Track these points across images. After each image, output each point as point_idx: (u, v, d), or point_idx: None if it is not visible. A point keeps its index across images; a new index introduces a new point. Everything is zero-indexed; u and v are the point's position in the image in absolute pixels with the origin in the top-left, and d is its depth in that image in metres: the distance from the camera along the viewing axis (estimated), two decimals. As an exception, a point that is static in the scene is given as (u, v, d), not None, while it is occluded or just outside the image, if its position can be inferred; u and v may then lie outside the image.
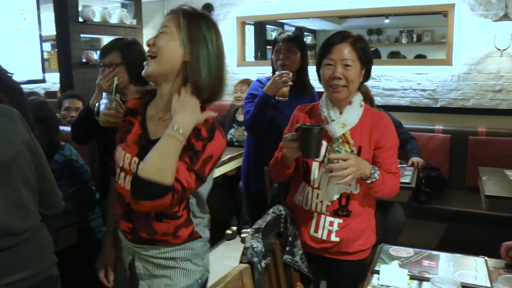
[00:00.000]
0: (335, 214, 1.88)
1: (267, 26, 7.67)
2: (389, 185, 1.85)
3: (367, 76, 1.89)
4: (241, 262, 1.42)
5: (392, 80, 4.51)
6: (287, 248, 1.84)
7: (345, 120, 1.84)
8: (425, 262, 1.76)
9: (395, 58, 6.65)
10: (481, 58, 4.17)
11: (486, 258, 1.80)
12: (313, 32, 9.69)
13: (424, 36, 8.18)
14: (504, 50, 4.04)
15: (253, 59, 6.38)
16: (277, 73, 2.55)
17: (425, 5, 4.31)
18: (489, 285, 1.57)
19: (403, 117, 3.85)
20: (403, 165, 3.28)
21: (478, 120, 4.22)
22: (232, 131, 4.13)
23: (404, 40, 8.39)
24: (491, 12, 4.08)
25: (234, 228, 4.22)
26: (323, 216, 1.89)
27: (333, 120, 1.84)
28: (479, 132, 4.12)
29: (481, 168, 3.30)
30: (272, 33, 7.81)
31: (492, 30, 4.04)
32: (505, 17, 3.94)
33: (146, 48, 1.46)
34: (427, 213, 3.77)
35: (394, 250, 1.88)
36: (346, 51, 1.80)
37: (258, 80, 2.80)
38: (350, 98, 1.87)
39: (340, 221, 1.88)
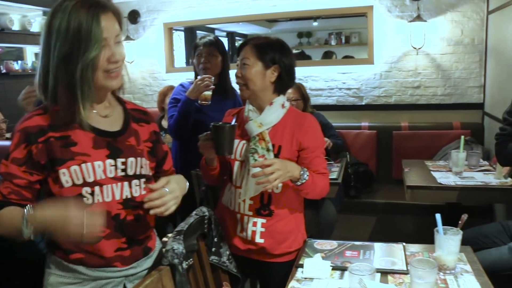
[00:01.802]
0: (257, 213, 1.90)
1: (198, 32, 7.67)
2: (319, 185, 1.88)
3: (282, 77, 1.89)
4: (162, 264, 1.42)
5: (318, 80, 4.64)
6: (213, 249, 1.85)
7: (262, 119, 1.88)
8: (348, 253, 1.83)
9: (328, 59, 6.82)
10: (400, 57, 4.39)
11: (405, 244, 1.90)
12: (244, 36, 9.76)
13: (352, 37, 8.44)
14: (419, 48, 4.27)
15: (184, 65, 6.35)
16: (199, 77, 2.57)
17: (346, 7, 4.47)
18: (405, 268, 1.66)
19: (331, 116, 3.97)
20: (331, 162, 3.38)
21: (401, 115, 4.43)
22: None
23: (333, 42, 8.60)
24: (406, 13, 4.30)
25: (170, 235, 4.17)
26: (246, 216, 1.92)
27: (251, 120, 1.89)
28: (402, 127, 4.33)
29: (404, 161, 3.47)
30: (202, 39, 7.78)
31: (408, 30, 4.27)
32: (418, 18, 4.18)
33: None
34: (357, 207, 3.91)
35: (319, 243, 1.94)
36: (245, 52, 1.87)
37: (181, 85, 2.81)
38: (267, 99, 1.90)
39: (264, 220, 1.90)
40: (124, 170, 1.42)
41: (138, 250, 1.48)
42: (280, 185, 1.85)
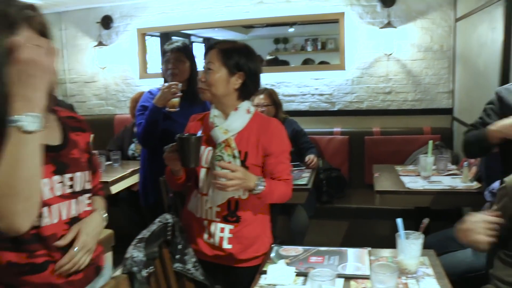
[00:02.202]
0: (225, 220, 1.91)
1: (174, 37, 7.64)
2: (277, 193, 1.91)
3: (246, 83, 1.90)
4: (122, 272, 1.41)
5: (291, 86, 4.67)
6: (177, 256, 1.84)
7: (228, 126, 1.88)
8: (312, 259, 1.84)
9: (307, 65, 6.85)
10: (371, 63, 4.44)
11: (370, 249, 1.92)
12: (221, 42, 9.75)
13: (328, 43, 8.51)
14: (390, 55, 4.33)
15: (160, 71, 6.31)
16: (166, 84, 2.56)
17: (319, 13, 4.51)
18: (368, 273, 1.67)
19: (303, 122, 3.99)
20: (302, 168, 3.40)
21: (372, 121, 4.48)
22: (132, 146, 4.02)
23: (309, 48, 8.64)
24: (377, 20, 4.36)
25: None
26: (213, 223, 1.92)
27: (217, 126, 1.89)
28: (374, 132, 4.38)
29: (375, 166, 3.51)
30: (178, 45, 7.75)
31: (379, 37, 4.33)
32: (389, 24, 4.24)
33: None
34: (329, 213, 3.93)
35: (284, 249, 1.95)
36: (211, 56, 1.87)
37: (149, 92, 2.79)
38: (232, 104, 1.91)
39: (231, 227, 1.91)
40: (71, 186, 1.33)
41: (90, 271, 1.38)
42: (247, 191, 1.88)
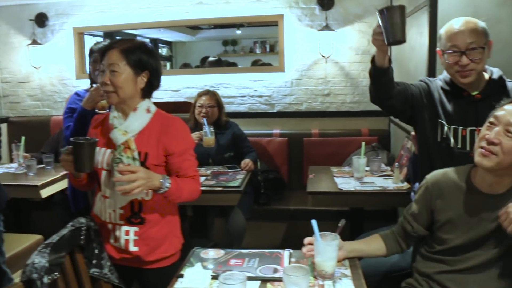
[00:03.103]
0: (129, 222, 1.87)
1: (118, 38, 7.46)
2: (186, 190, 1.89)
3: (151, 83, 1.89)
4: (21, 280, 1.33)
5: (230, 87, 4.63)
6: (94, 261, 1.78)
7: (127, 127, 1.84)
8: (232, 261, 1.80)
9: (257, 66, 6.84)
10: (310, 65, 4.47)
11: (291, 250, 1.90)
12: (168, 43, 9.65)
13: (277, 46, 8.56)
14: (328, 57, 4.37)
15: (99, 72, 6.15)
16: (94, 85, 2.49)
17: (258, 15, 4.50)
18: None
19: (243, 123, 3.96)
20: (237, 170, 3.37)
21: (311, 123, 4.51)
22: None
23: (258, 50, 8.70)
24: (316, 22, 4.39)
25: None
26: (118, 225, 1.87)
27: (116, 128, 1.84)
28: (312, 134, 4.40)
29: (311, 167, 3.53)
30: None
31: (317, 39, 4.36)
32: (326, 27, 4.28)
33: None
34: (267, 215, 3.91)
35: (205, 252, 1.90)
36: (113, 57, 1.79)
37: (76, 93, 2.71)
38: (132, 104, 1.86)
39: (136, 229, 1.87)
40: None
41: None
42: (150, 191, 1.84)
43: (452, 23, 1.99)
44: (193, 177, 1.93)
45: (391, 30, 1.69)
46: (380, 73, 1.94)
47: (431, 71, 2.72)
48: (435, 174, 1.82)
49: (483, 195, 1.67)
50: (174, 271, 1.91)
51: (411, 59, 3.36)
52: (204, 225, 3.68)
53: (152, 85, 1.89)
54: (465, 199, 1.71)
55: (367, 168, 3.20)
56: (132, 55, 1.80)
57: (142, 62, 1.82)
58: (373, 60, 1.94)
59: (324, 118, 4.51)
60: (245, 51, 8.79)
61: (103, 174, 1.87)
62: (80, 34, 4.93)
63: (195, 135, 3.43)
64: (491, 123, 1.62)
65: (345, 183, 2.98)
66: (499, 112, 1.61)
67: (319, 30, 4.31)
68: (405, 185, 2.89)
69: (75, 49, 4.91)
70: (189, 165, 1.93)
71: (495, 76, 2.02)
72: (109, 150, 1.86)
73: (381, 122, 4.43)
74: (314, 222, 1.68)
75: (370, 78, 2.00)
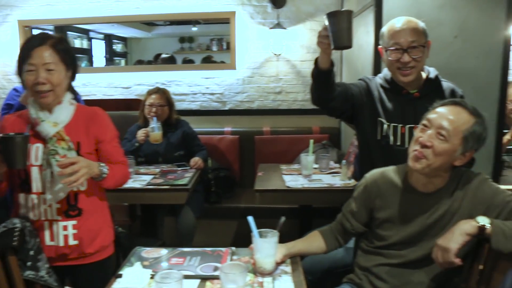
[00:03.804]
0: (66, 215, 1.83)
1: (69, 32, 7.25)
2: (119, 175, 1.93)
3: (73, 76, 1.89)
4: None
5: (181, 85, 4.58)
6: (28, 264, 1.71)
7: (56, 118, 1.81)
8: (173, 260, 1.77)
9: (208, 63, 6.80)
10: (262, 63, 4.47)
11: (234, 248, 1.89)
12: (123, 39, 9.46)
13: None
14: (279, 55, 4.39)
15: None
16: None
17: (210, 12, 4.45)
18: (224, 274, 1.64)
19: (194, 121, 3.91)
20: (186, 168, 3.33)
21: (263, 120, 4.51)
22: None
23: (214, 48, 8.65)
24: (268, 20, 4.39)
25: None
26: (55, 222, 1.82)
27: (43, 121, 1.79)
28: (264, 132, 4.41)
29: (261, 165, 3.52)
30: (74, 40, 7.39)
31: (269, 37, 4.36)
32: (278, 25, 4.29)
33: None
34: (218, 213, 3.89)
35: (146, 252, 1.86)
36: (47, 55, 1.74)
37: (14, 89, 2.61)
38: (59, 99, 1.83)
39: (74, 222, 1.84)
40: None
41: None
42: (85, 181, 1.83)
43: (394, 22, 2.04)
44: (123, 162, 1.98)
45: (338, 35, 1.68)
46: (322, 75, 1.95)
47: (377, 69, 2.76)
48: (374, 173, 1.85)
49: (418, 194, 1.71)
50: (109, 266, 1.94)
51: (359, 57, 3.41)
52: (154, 225, 3.62)
53: (73, 78, 1.89)
54: (402, 198, 1.75)
55: (316, 166, 3.22)
56: (63, 51, 1.78)
57: (70, 56, 1.82)
58: (316, 62, 1.95)
59: (276, 116, 4.53)
60: (201, 49, 8.73)
61: (34, 170, 1.80)
62: (25, 28, 4.75)
63: (141, 132, 3.38)
64: (424, 125, 1.67)
65: (293, 180, 2.99)
66: (431, 115, 1.66)
67: (271, 28, 4.32)
68: (352, 182, 2.92)
69: (20, 43, 4.72)
70: (118, 151, 1.98)
71: (432, 75, 2.10)
72: (37, 145, 1.81)
73: (332, 120, 4.45)
74: (250, 219, 1.69)
75: (313, 79, 2.02)
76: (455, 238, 1.51)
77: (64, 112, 1.83)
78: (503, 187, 1.69)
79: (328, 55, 1.88)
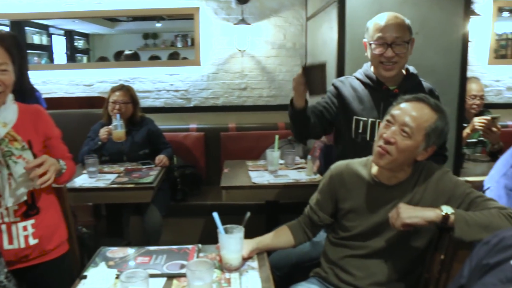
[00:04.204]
0: (25, 216, 1.80)
1: (27, 28, 7.03)
2: (72, 170, 1.99)
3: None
4: None
5: (145, 82, 4.52)
6: (-14, 270, 1.66)
7: (4, 118, 1.77)
8: (139, 259, 1.75)
9: (174, 60, 6.71)
10: (226, 59, 4.45)
11: (200, 245, 1.88)
12: (85, 36, 9.25)
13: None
14: (244, 51, 4.38)
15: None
16: None
17: (174, 7, 4.41)
18: (191, 271, 1.63)
19: (159, 118, 3.86)
20: (151, 166, 3.29)
21: (228, 117, 4.50)
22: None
23: (179, 44, 8.54)
24: (232, 16, 4.37)
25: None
26: (13, 224, 1.78)
27: None
28: (229, 128, 4.39)
29: (226, 162, 3.51)
30: (33, 36, 7.18)
31: (233, 33, 4.35)
32: (242, 21, 4.28)
33: None
34: (185, 210, 3.86)
35: (112, 251, 1.83)
36: (0, 56, 1.71)
37: None
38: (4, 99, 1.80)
39: (32, 221, 1.82)
40: None
41: None
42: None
43: (381, 17, 2.10)
44: (70, 157, 2.02)
45: (314, 86, 1.92)
46: (300, 114, 2.06)
47: (341, 64, 2.79)
48: (339, 164, 1.88)
49: (382, 186, 1.74)
50: (69, 262, 1.98)
51: (322, 52, 3.44)
52: (119, 224, 3.57)
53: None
54: (366, 189, 1.78)
55: (282, 161, 3.23)
56: (14, 51, 1.76)
57: (16, 55, 1.80)
58: (291, 103, 2.06)
59: (241, 112, 4.52)
60: (166, 45, 8.60)
61: None
62: (-21, 23, 4.60)
63: (103, 130, 3.31)
64: (388, 121, 1.69)
65: (259, 176, 2.99)
66: (395, 111, 1.68)
67: (235, 24, 4.30)
68: (318, 177, 2.95)
69: (-24, 40, 4.56)
70: (64, 147, 2.01)
71: (412, 71, 2.15)
72: None
73: (297, 116, 4.50)
74: (215, 215, 1.68)
75: (290, 119, 2.14)
76: (413, 216, 1.54)
77: (10, 111, 1.80)
78: (463, 179, 1.74)
79: (302, 96, 2.00)
